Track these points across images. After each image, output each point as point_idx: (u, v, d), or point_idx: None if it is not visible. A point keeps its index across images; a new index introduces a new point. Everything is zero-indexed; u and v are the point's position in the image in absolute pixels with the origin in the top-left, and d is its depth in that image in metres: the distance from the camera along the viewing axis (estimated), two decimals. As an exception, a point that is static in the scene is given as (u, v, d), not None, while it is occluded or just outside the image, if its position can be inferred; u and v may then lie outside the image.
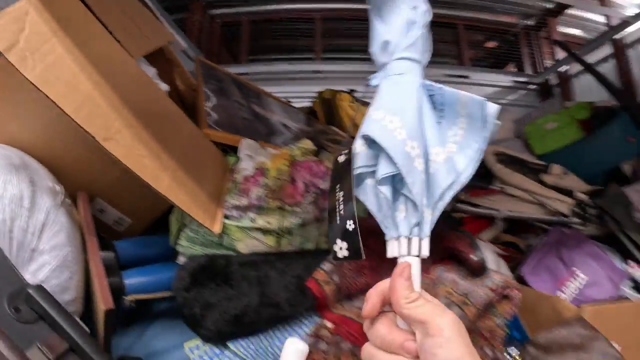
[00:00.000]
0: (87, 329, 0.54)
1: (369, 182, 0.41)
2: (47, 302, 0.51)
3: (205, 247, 0.79)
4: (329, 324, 0.76)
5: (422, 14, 0.44)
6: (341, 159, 0.43)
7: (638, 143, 1.58)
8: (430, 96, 0.42)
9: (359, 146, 0.41)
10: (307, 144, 0.89)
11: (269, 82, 1.92)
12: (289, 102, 1.58)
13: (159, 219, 0.92)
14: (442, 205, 0.39)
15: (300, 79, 2.09)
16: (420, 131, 0.39)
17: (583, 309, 0.89)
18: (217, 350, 0.74)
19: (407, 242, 0.39)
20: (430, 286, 0.76)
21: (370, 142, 0.40)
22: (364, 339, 0.65)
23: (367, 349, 0.38)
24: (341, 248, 0.41)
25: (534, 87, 2.36)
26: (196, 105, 0.96)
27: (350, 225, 0.40)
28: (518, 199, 1.29)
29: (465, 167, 0.40)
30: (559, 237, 1.19)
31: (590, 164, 1.53)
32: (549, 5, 2.33)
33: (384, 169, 0.39)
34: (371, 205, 0.41)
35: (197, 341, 0.75)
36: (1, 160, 0.66)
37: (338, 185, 0.42)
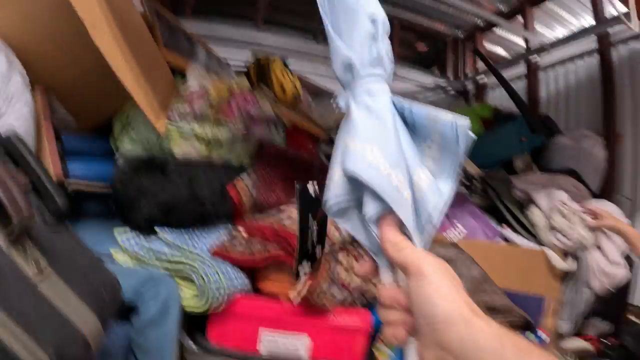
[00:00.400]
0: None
1: (354, 214, 0.41)
2: (21, 144, 0.70)
3: (145, 148, 1.01)
4: (243, 231, 0.99)
5: (382, 24, 0.43)
6: (311, 189, 0.49)
7: (529, 144, 2.03)
8: (401, 114, 0.42)
9: (335, 176, 0.40)
10: (244, 81, 1.14)
11: (212, 41, 2.13)
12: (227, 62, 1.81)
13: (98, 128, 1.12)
14: (430, 228, 0.41)
15: (240, 46, 2.33)
16: (401, 157, 0.40)
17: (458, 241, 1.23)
18: (145, 238, 0.95)
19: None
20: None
21: (351, 178, 0.39)
22: (273, 237, 0.90)
23: (379, 309, 0.41)
24: (304, 267, 0.50)
25: (453, 91, 2.80)
26: (153, 31, 1.17)
27: (318, 252, 0.48)
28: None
29: (445, 184, 0.42)
30: None
31: (487, 155, 1.92)
32: (480, 22, 2.78)
33: (372, 208, 0.39)
34: (360, 237, 0.42)
35: (127, 231, 0.95)
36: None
37: (310, 214, 0.49)
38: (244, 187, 1.04)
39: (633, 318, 1.89)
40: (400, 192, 0.39)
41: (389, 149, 0.39)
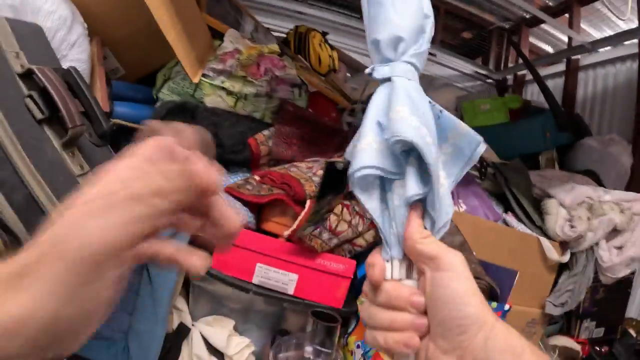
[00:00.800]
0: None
1: (377, 193, 0.39)
2: (78, 76, 0.86)
3: (181, 97, 1.16)
4: (257, 177, 1.14)
5: (431, 27, 0.43)
6: (340, 166, 0.44)
7: (553, 140, 2.06)
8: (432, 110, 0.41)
9: (367, 142, 0.38)
10: (275, 47, 1.27)
11: (256, 10, 2.27)
12: (269, 30, 1.94)
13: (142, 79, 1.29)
14: (443, 231, 0.39)
15: (285, 16, 2.45)
16: (435, 139, 0.39)
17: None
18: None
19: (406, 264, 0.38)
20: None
21: (394, 145, 0.36)
22: (279, 181, 1.04)
23: (367, 308, 0.37)
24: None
25: (492, 81, 2.83)
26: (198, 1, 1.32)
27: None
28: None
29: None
30: None
31: (509, 146, 1.98)
32: (527, 16, 2.79)
33: (414, 189, 0.36)
34: (379, 221, 0.39)
35: None
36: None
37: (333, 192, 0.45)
38: (263, 139, 1.18)
39: (630, 330, 1.91)
40: (438, 169, 0.38)
41: (430, 127, 0.38)
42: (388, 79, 0.40)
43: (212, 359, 1.03)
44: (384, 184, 0.39)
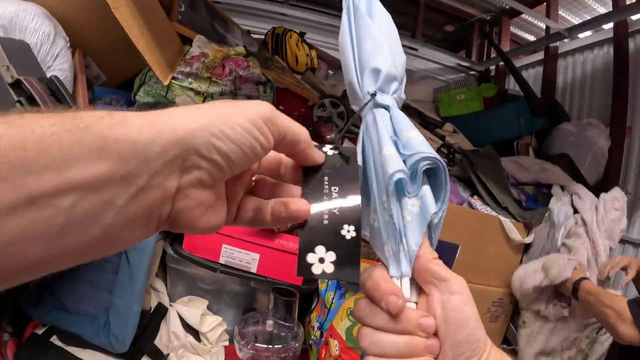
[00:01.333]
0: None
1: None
2: (60, 84, 0.98)
3: (155, 98, 1.28)
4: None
5: (402, 79, 0.45)
6: (330, 152, 0.40)
7: (526, 126, 2.14)
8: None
9: (392, 151, 0.37)
10: (240, 49, 1.38)
11: (237, 14, 2.38)
12: (249, 32, 2.05)
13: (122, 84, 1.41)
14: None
15: (267, 18, 2.56)
16: None
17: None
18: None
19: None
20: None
21: (418, 163, 0.36)
22: None
23: (370, 335, 0.34)
24: (321, 260, 0.34)
25: (474, 73, 2.91)
26: (171, 8, 1.43)
27: (348, 231, 0.35)
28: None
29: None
30: None
31: (483, 133, 2.07)
32: (507, 6, 2.85)
33: (433, 207, 0.36)
34: (384, 230, 0.37)
35: None
36: (40, 9, 1.13)
37: (326, 179, 0.38)
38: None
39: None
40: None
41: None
42: (385, 107, 0.42)
43: (188, 336, 1.14)
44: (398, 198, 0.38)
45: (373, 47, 0.43)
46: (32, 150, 0.20)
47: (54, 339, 1.02)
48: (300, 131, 0.33)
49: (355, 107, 0.44)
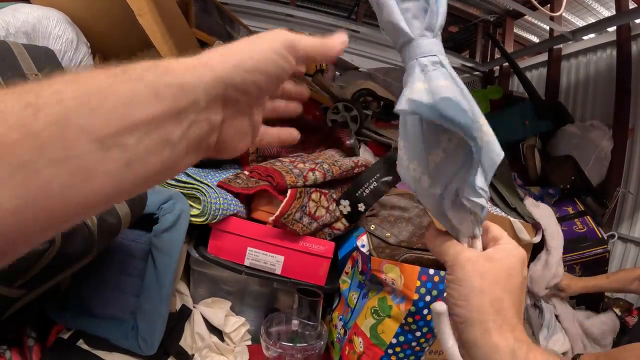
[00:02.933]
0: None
1: None
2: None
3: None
4: (246, 172, 1.30)
5: None
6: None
7: (532, 128, 2.21)
8: None
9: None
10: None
11: (243, 15, 2.42)
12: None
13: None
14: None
15: (273, 19, 2.61)
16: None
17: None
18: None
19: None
20: (314, 157, 1.33)
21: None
22: (265, 174, 1.20)
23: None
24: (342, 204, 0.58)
25: (479, 73, 2.98)
26: (188, 13, 1.48)
27: (360, 207, 0.55)
28: (411, 134, 1.85)
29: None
30: None
31: (489, 136, 2.13)
32: (510, 8, 2.92)
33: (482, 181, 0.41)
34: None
35: None
36: (62, 16, 1.17)
37: (380, 174, 0.54)
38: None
39: (616, 309, 2.04)
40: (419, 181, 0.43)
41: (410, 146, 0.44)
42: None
43: (212, 337, 1.18)
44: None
45: None
46: (95, 100, 0.23)
47: (81, 343, 1.05)
48: (316, 44, 0.37)
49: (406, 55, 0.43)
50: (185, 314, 1.19)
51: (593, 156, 2.22)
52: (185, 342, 1.15)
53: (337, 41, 0.38)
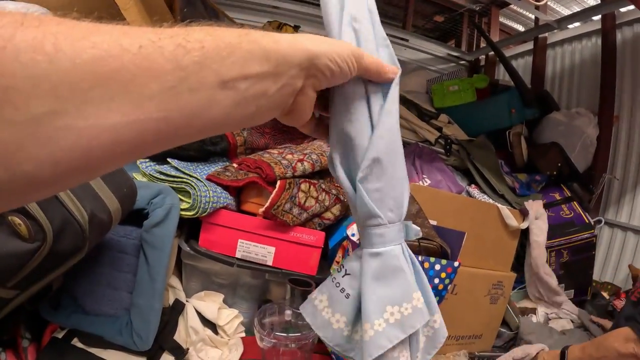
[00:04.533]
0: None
1: None
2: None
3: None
4: (235, 164, 1.31)
5: None
6: None
7: (518, 116, 2.25)
8: None
9: None
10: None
11: (228, 7, 2.42)
12: (242, 25, 2.09)
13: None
14: None
15: (258, 11, 2.61)
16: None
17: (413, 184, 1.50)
18: (159, 164, 1.27)
19: None
20: (302, 148, 1.35)
21: None
22: (253, 166, 1.21)
23: None
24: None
25: (465, 63, 3.02)
26: (173, 6, 1.48)
27: None
28: (397, 124, 1.90)
29: None
30: (416, 149, 1.82)
31: (476, 123, 2.17)
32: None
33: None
34: None
35: (147, 160, 1.28)
36: (44, 11, 1.17)
37: None
38: (239, 130, 1.35)
39: (604, 293, 2.09)
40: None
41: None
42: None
43: (206, 330, 1.20)
44: None
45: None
46: (225, 52, 0.31)
47: (75, 341, 1.05)
48: (375, 65, 0.45)
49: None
50: (178, 308, 1.20)
51: (579, 143, 2.27)
52: (179, 337, 1.16)
53: (391, 70, 0.46)
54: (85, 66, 0.25)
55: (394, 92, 0.47)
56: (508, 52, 2.94)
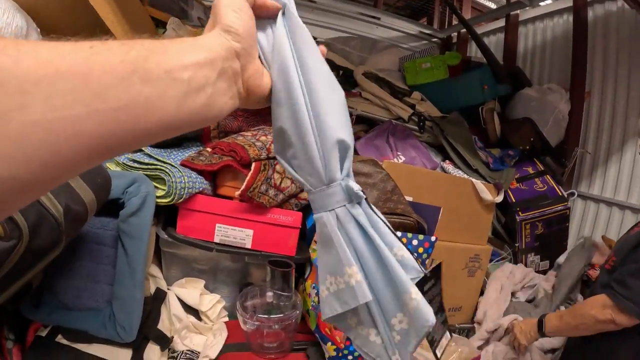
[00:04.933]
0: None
1: None
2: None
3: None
4: (209, 149, 1.31)
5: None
6: None
7: (490, 92, 2.29)
8: None
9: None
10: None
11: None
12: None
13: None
14: None
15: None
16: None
17: (387, 162, 1.53)
18: (133, 153, 1.26)
19: None
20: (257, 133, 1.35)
21: None
22: (227, 150, 1.22)
23: None
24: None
25: (437, 40, 3.05)
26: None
27: None
28: (370, 102, 1.93)
29: None
30: (389, 127, 1.85)
31: (449, 100, 2.20)
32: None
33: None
34: None
35: None
36: (10, 3, 1.15)
37: None
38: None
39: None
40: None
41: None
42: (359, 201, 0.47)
43: (189, 317, 1.22)
44: None
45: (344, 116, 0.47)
46: (162, 48, 0.34)
47: (59, 339, 1.05)
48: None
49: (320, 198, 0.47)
50: (160, 297, 1.20)
51: (551, 118, 2.32)
52: (163, 325, 1.17)
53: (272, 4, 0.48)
54: (47, 63, 0.27)
55: (280, 30, 0.47)
56: (480, 30, 2.98)
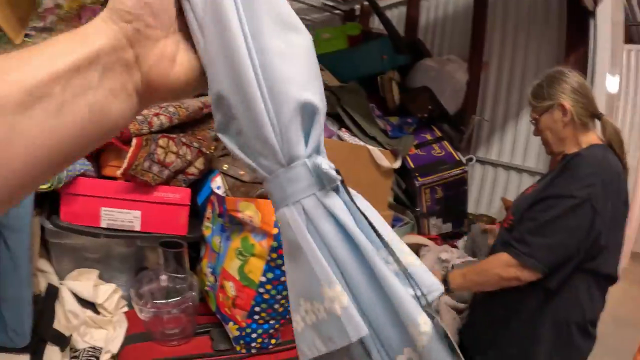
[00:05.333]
0: None
1: None
2: None
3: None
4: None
5: None
6: None
7: (389, 62, 2.35)
8: None
9: None
10: (100, -2, 1.37)
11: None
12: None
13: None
14: None
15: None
16: None
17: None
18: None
19: None
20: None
21: None
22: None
23: None
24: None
25: (339, 12, 3.10)
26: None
27: None
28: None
29: None
30: None
31: (348, 69, 2.24)
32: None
33: None
34: None
35: None
36: None
37: None
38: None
39: (481, 224, 2.29)
40: None
41: None
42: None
43: (86, 311, 1.17)
44: None
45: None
46: (34, 54, 0.29)
47: None
48: None
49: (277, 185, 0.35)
50: (52, 293, 1.15)
51: (449, 87, 2.45)
52: (59, 324, 1.12)
53: None
54: None
55: None
56: (382, 3, 3.05)
